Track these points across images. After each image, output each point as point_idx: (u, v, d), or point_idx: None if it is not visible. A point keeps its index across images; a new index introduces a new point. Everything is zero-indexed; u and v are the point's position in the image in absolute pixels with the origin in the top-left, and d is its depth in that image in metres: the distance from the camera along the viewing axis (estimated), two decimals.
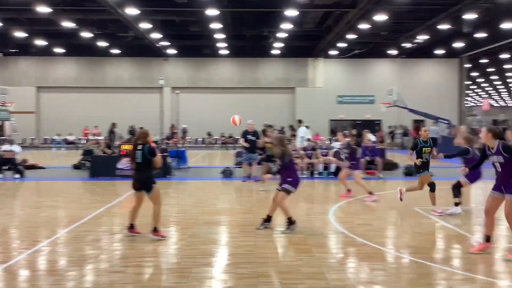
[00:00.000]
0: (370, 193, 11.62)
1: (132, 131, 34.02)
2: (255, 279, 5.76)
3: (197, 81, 38.16)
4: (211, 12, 24.19)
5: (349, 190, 12.26)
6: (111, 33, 30.47)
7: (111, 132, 26.73)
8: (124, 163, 16.56)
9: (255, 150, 15.54)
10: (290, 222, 8.20)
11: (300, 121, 19.01)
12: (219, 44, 34.14)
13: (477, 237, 7.78)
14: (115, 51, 35.96)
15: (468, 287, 5.55)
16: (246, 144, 15.31)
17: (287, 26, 27.65)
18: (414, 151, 10.14)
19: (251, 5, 25.42)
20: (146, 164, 7.66)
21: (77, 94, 37.86)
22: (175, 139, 28.36)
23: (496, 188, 6.82)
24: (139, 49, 35.21)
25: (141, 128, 35.30)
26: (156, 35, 30.28)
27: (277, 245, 7.49)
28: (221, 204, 11.41)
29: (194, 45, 35.82)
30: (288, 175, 8.31)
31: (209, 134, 37.39)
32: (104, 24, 28.74)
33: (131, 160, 7.84)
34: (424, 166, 10.11)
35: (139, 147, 7.65)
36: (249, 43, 34.76)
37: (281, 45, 34.25)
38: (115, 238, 7.96)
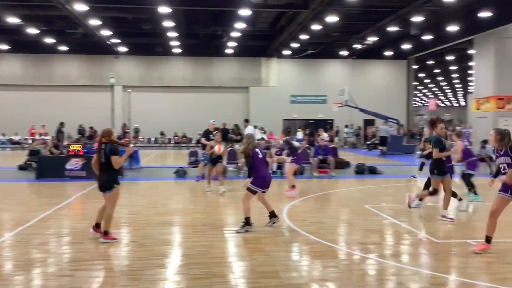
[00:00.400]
0: (293, 186, 12.05)
1: (81, 131, 33.14)
2: (209, 279, 5.72)
3: (149, 80, 37.58)
4: (164, 9, 23.87)
5: (293, 186, 12.27)
6: (59, 29, 29.55)
7: (59, 132, 25.91)
8: (73, 164, 16.11)
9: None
10: (246, 223, 8.15)
11: (246, 121, 19.00)
12: (172, 43, 33.77)
13: (422, 234, 8.03)
14: (63, 48, 34.90)
15: (416, 282, 5.70)
16: (207, 143, 15.25)
17: (240, 25, 27.67)
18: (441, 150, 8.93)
19: (204, 4, 25.28)
20: (110, 164, 7.39)
21: (23, 92, 36.45)
22: (127, 139, 27.82)
23: (504, 189, 6.77)
24: (89, 46, 34.32)
25: (91, 127, 34.57)
26: (106, 32, 29.59)
27: (231, 244, 7.46)
28: (174, 204, 11.27)
29: (146, 43, 35.25)
30: (255, 175, 8.26)
31: (162, 134, 36.91)
32: (52, 20, 27.85)
33: (96, 161, 7.51)
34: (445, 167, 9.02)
35: (103, 146, 7.41)
36: (203, 42, 34.56)
37: (234, 44, 34.26)
38: (64, 241, 7.72)
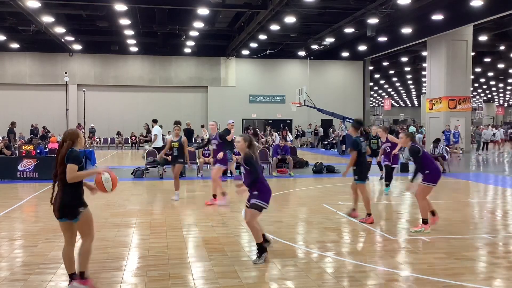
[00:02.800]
0: (223, 193, 10.60)
1: (34, 131, 32.14)
2: (167, 281, 5.66)
3: (105, 79, 36.85)
4: (120, 7, 23.46)
5: (223, 194, 10.74)
6: (10, 26, 28.55)
7: (10, 132, 25.04)
8: (25, 165, 15.63)
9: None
10: (261, 249, 6.37)
11: (154, 121, 18.53)
12: (128, 41, 33.23)
13: (377, 231, 8.22)
14: (15, 45, 33.76)
15: (373, 279, 5.82)
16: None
17: (199, 24, 27.53)
18: None
19: (161, 2, 25.01)
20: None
21: None
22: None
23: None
24: (42, 43, 33.35)
25: (44, 127, 33.59)
26: (60, 29, 28.82)
27: (190, 245, 7.41)
28: (131, 205, 11.08)
29: (102, 41, 34.56)
30: (258, 187, 6.47)
31: (119, 134, 36.25)
32: (3, 17, 26.87)
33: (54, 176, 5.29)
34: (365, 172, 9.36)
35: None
36: (160, 41, 34.17)
37: (193, 43, 34.05)
38: (16, 244, 7.46)
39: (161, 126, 20.27)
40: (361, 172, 8.89)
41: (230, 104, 37.50)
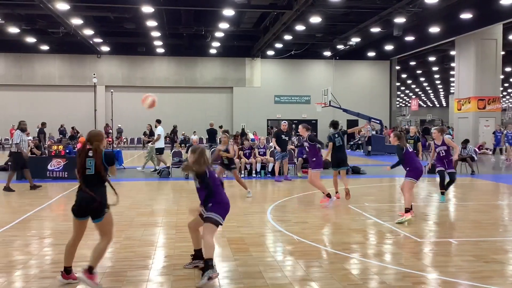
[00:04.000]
0: (328, 195, 10.89)
1: (62, 131, 32.78)
2: (192, 280, 5.70)
3: (132, 80, 37.35)
4: (146, 9, 23.76)
5: (328, 195, 10.95)
6: (40, 28, 29.21)
7: (40, 132, 25.59)
8: (54, 164, 15.95)
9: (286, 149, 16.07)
10: (209, 265, 5.58)
11: (158, 121, 18.72)
12: (155, 42, 33.62)
13: (404, 233, 8.13)
14: (45, 47, 34.52)
15: (400, 282, 5.76)
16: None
17: (224, 25, 27.66)
18: None
19: (188, 3, 25.22)
20: (100, 177, 5.46)
21: (4, 92, 36.02)
22: (109, 139, 27.59)
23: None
24: (71, 45, 34.00)
25: (73, 128, 34.13)
26: (88, 32, 29.35)
27: (215, 245, 7.44)
28: (157, 205, 11.21)
29: (129, 42, 35.05)
30: (218, 201, 5.90)
31: (145, 134, 36.60)
32: (33, 19, 27.50)
33: (78, 172, 5.49)
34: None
35: (90, 153, 5.45)
36: (186, 42, 34.46)
37: (218, 44, 34.24)
38: (45, 243, 7.62)
39: (174, 127, 20.47)
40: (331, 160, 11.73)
41: (255, 105, 37.56)
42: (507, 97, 73.98)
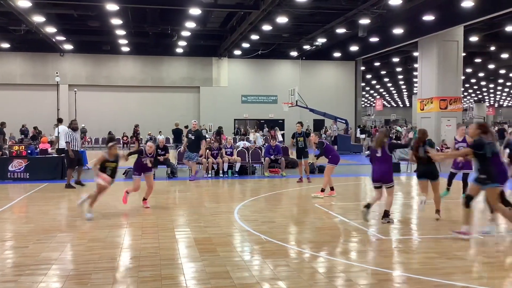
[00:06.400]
0: (331, 188, 12.15)
1: (24, 131, 31.90)
2: (159, 282, 5.63)
3: (96, 79, 36.67)
4: (111, 7, 23.35)
5: (331, 188, 12.20)
6: (1, 26, 28.35)
7: (0, 132, 24.82)
8: (15, 165, 15.52)
9: (194, 149, 15.83)
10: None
11: (59, 120, 17.30)
12: (120, 41, 33.09)
13: (370, 231, 8.24)
14: (6, 45, 33.52)
15: (366, 279, 5.84)
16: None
17: (191, 24, 27.47)
18: None
19: (154, 2, 24.93)
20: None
21: None
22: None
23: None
24: (33, 43, 33.11)
25: (35, 128, 33.18)
26: (51, 29, 28.66)
27: (182, 246, 7.38)
28: (123, 206, 11.02)
29: (93, 40, 34.39)
30: None
31: (110, 134, 35.99)
32: None
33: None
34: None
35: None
36: (152, 41, 34.07)
37: (185, 43, 33.98)
38: (6, 246, 7.39)
39: (135, 127, 19.74)
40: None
41: (222, 104, 37.48)
42: (468, 97, 76.09)
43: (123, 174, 16.74)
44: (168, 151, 16.86)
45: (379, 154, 8.80)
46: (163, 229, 8.41)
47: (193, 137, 15.68)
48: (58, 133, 16.25)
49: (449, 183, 11.30)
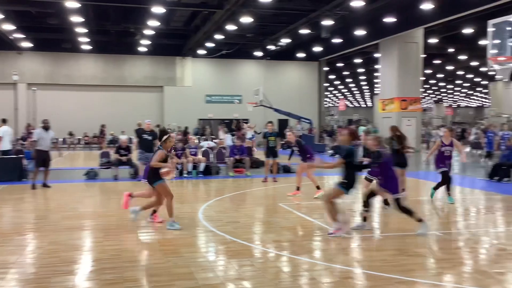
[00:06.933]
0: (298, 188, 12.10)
1: None
2: (121, 284, 5.54)
3: (56, 77, 35.78)
4: (71, 4, 22.82)
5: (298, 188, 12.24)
6: None
7: None
8: None
9: (151, 150, 15.22)
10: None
11: (4, 120, 17.06)
12: (81, 39, 32.38)
13: (332, 229, 8.35)
14: None
15: (329, 277, 5.90)
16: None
17: (154, 23, 27.14)
18: None
19: (116, 0, 24.52)
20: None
21: None
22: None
23: None
24: None
25: None
26: (9, 27, 27.78)
27: (145, 247, 7.29)
28: (84, 207, 10.80)
29: (52, 38, 33.52)
30: None
31: (71, 134, 35.23)
32: None
33: None
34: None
35: None
36: (114, 39, 33.49)
37: (148, 42, 33.54)
38: None
39: (101, 126, 19.41)
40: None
41: (186, 104, 37.22)
42: (427, 98, 78.02)
43: (84, 174, 16.40)
44: (131, 151, 16.67)
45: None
46: (125, 231, 8.28)
47: (149, 138, 15.42)
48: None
49: (447, 187, 11.05)
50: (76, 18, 25.89)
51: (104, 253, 6.84)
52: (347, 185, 7.63)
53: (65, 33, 31.25)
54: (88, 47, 34.72)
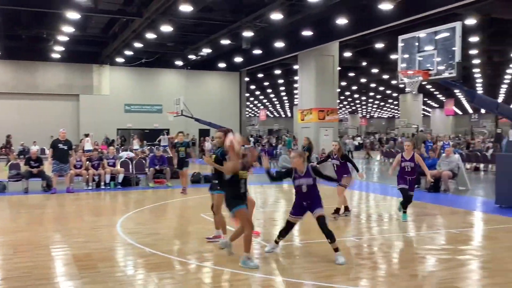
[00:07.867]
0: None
1: None
2: None
3: None
4: None
5: None
6: None
7: None
8: None
9: (67, 160, 15.03)
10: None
11: None
12: None
13: (253, 239, 8.42)
14: None
15: (248, 286, 5.93)
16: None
17: (69, 29, 26.10)
18: None
19: (27, 4, 23.32)
20: None
21: None
22: None
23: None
24: None
25: None
26: None
27: (59, 264, 6.94)
28: None
29: None
30: None
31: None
32: None
33: None
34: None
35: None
36: (25, 45, 31.79)
37: (62, 49, 32.19)
38: None
39: (6, 137, 18.47)
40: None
41: (104, 113, 36.03)
42: (343, 109, 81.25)
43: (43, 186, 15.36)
44: (42, 163, 15.87)
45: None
46: (37, 247, 7.83)
47: (65, 147, 14.90)
48: None
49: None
50: None
51: (14, 271, 6.42)
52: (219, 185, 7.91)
53: None
54: None
